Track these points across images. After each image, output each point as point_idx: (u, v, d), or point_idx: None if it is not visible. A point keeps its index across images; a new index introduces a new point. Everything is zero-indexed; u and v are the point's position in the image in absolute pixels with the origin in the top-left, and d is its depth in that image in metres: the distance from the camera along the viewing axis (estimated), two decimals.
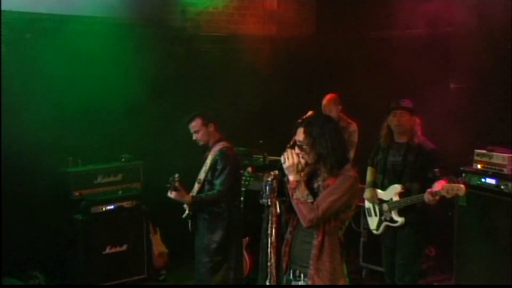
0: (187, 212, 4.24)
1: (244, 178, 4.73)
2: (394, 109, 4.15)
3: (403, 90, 5.39)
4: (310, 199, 2.67)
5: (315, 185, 2.78)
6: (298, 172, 2.72)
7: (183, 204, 4.22)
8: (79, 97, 5.05)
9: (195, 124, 4.26)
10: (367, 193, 4.33)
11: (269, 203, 2.73)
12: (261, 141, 5.58)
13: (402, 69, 5.57)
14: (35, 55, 4.86)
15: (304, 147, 2.73)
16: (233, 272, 4.28)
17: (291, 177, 2.72)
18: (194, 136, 4.25)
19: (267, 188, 2.74)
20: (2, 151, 4.71)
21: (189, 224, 4.24)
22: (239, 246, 4.43)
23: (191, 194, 4.17)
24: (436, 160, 4.06)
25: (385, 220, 4.22)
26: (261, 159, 5.54)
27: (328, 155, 2.68)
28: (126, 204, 5.23)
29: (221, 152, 4.22)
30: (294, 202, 2.70)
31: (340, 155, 2.70)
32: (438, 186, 3.94)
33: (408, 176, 4.12)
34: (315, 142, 2.69)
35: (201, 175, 4.26)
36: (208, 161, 4.22)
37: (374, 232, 4.35)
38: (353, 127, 5.45)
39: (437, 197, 3.91)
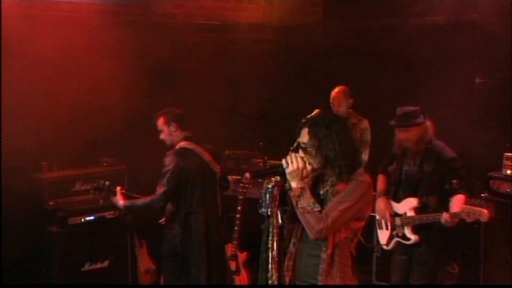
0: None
1: (241, 185, 4.83)
2: (396, 127, 4.16)
3: (420, 85, 5.42)
4: (317, 208, 2.68)
5: (322, 191, 2.81)
6: (302, 178, 2.73)
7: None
8: (55, 91, 5.08)
9: (158, 123, 4.50)
10: (379, 203, 4.34)
11: (270, 213, 2.74)
12: (260, 143, 5.60)
13: (420, 62, 5.60)
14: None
15: (309, 149, 2.75)
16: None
17: (294, 184, 2.74)
18: (160, 136, 4.48)
19: (267, 196, 2.75)
20: None
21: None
22: (201, 255, 4.49)
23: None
24: (456, 170, 4.07)
25: (397, 235, 4.24)
26: (261, 164, 5.57)
27: (336, 159, 2.70)
28: (108, 214, 5.25)
29: (168, 154, 4.43)
30: (299, 212, 2.72)
31: (351, 158, 2.72)
32: (457, 204, 3.95)
33: (425, 188, 4.13)
34: (321, 144, 2.71)
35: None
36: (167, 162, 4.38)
37: (384, 247, 4.37)
38: (365, 123, 5.49)
39: (456, 220, 3.92)
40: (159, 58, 5.76)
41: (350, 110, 5.51)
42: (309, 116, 3.26)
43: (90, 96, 5.24)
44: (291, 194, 2.74)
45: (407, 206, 4.18)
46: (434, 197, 4.11)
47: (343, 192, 2.70)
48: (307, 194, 2.72)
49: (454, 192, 4.02)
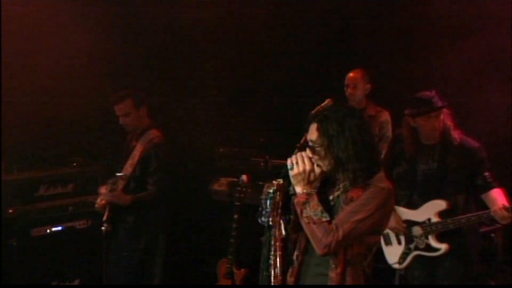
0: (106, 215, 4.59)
1: (238, 189, 4.86)
2: (416, 116, 4.16)
3: (445, 74, 5.43)
4: (325, 218, 2.68)
5: (331, 196, 2.81)
6: (309, 182, 2.74)
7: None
8: (13, 82, 5.14)
9: (124, 106, 4.59)
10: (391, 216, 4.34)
11: (271, 222, 2.76)
12: (261, 140, 5.62)
13: (445, 45, 5.60)
14: None
15: (318, 149, 2.75)
16: None
17: (299, 189, 2.74)
18: (122, 120, 4.60)
19: (268, 202, 2.77)
20: None
21: (104, 230, 4.60)
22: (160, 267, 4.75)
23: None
24: (485, 161, 4.11)
25: (416, 248, 4.26)
26: (262, 164, 5.59)
27: (349, 161, 2.69)
28: (79, 224, 5.29)
29: (156, 145, 4.58)
30: (303, 222, 2.72)
31: (368, 160, 2.71)
32: (500, 198, 3.98)
33: (452, 186, 4.15)
34: (332, 144, 2.71)
35: (126, 170, 4.58)
36: (137, 153, 4.55)
37: (395, 266, 4.37)
38: (385, 116, 5.46)
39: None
40: (130, 36, 5.88)
41: (368, 100, 5.51)
42: (318, 107, 3.28)
43: (58, 85, 5.27)
44: (295, 201, 2.75)
45: (430, 211, 4.20)
46: (462, 195, 4.14)
47: (358, 201, 2.68)
48: (314, 201, 2.72)
49: (488, 186, 4.04)
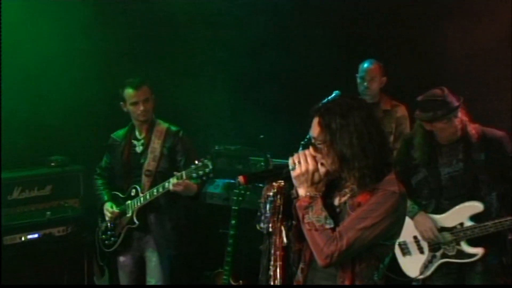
0: (134, 219, 4.72)
1: (235, 192, 4.87)
2: (432, 121, 4.13)
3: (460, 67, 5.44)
4: (329, 225, 2.67)
5: (337, 202, 2.80)
6: (313, 183, 2.73)
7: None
8: None
9: (144, 91, 4.75)
10: (421, 221, 4.31)
11: (271, 229, 2.76)
12: (261, 136, 5.62)
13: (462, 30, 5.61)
14: None
15: (320, 145, 2.73)
16: None
17: (302, 191, 2.73)
18: (143, 106, 4.72)
19: (268, 206, 2.77)
20: None
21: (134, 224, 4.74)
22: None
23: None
24: None
25: (444, 256, 4.27)
26: (261, 163, 5.60)
27: (355, 158, 2.66)
28: (57, 231, 5.31)
29: (177, 132, 4.78)
30: (305, 229, 2.71)
31: (377, 158, 2.68)
32: None
33: (483, 185, 4.15)
34: (335, 139, 2.68)
35: (150, 165, 4.73)
36: (157, 146, 4.74)
37: (417, 277, 4.35)
38: (402, 111, 5.46)
39: None
40: (112, 25, 5.98)
41: (382, 94, 5.50)
42: (325, 100, 3.27)
43: (36, 79, 5.31)
44: (297, 204, 2.73)
45: (462, 214, 4.20)
46: (495, 193, 4.14)
47: (365, 205, 2.66)
48: (318, 205, 2.70)
49: None
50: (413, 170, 4.34)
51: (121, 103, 4.77)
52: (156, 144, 4.75)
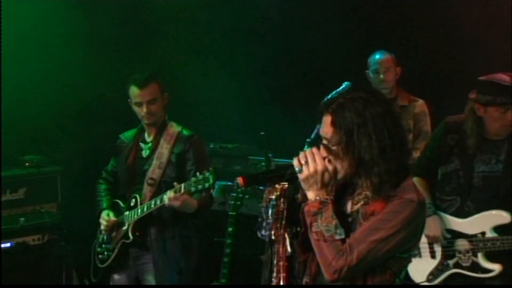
0: (129, 234, 4.62)
1: (233, 195, 4.87)
2: (489, 104, 4.09)
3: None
4: (339, 235, 2.66)
5: (349, 209, 2.79)
6: (323, 186, 2.72)
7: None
8: None
9: (151, 90, 4.64)
10: (430, 224, 4.34)
11: (273, 236, 2.77)
12: (262, 133, 5.64)
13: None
14: None
15: (333, 147, 2.72)
16: None
17: (312, 195, 2.73)
18: (147, 109, 4.63)
19: (270, 211, 2.78)
20: None
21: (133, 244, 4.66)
22: None
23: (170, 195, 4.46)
24: None
25: (457, 266, 4.28)
26: (262, 164, 5.61)
27: (374, 162, 2.65)
28: (32, 239, 5.33)
29: (190, 137, 4.69)
30: (312, 238, 2.71)
31: (395, 162, 2.66)
32: None
33: None
34: (352, 140, 2.66)
35: (154, 173, 4.65)
36: (165, 152, 4.65)
37: (423, 283, 4.36)
38: (421, 106, 5.49)
39: None
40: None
41: (398, 87, 5.51)
42: (334, 93, 3.27)
43: (10, 71, 5.36)
44: (306, 209, 2.73)
45: (486, 223, 4.20)
46: None
47: (380, 215, 2.65)
48: (328, 211, 2.69)
49: None
50: (445, 158, 4.33)
51: (129, 100, 4.69)
52: (164, 149, 4.68)
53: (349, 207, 2.80)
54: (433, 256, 4.38)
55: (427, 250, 4.39)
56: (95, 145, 5.82)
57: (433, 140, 4.47)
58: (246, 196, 4.95)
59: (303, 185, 2.75)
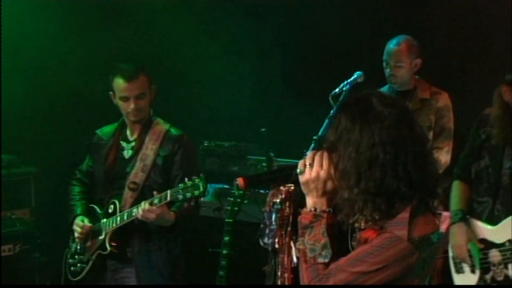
0: (106, 244, 4.62)
1: (230, 200, 4.87)
2: None
3: None
4: (323, 258, 2.64)
5: (346, 226, 2.74)
6: (324, 194, 2.71)
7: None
8: None
9: (139, 84, 4.62)
10: (455, 233, 4.39)
11: (277, 245, 2.78)
12: (263, 129, 5.65)
13: None
14: None
15: (325, 147, 2.73)
16: None
17: (309, 202, 2.73)
18: (135, 105, 4.60)
19: (274, 217, 2.79)
20: None
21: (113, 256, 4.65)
22: None
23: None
24: None
25: (494, 281, 4.29)
26: (263, 164, 5.62)
27: (356, 177, 2.60)
28: (3, 250, 5.36)
29: (179, 137, 4.68)
30: (295, 250, 2.72)
31: (387, 186, 2.58)
32: None
33: None
34: (339, 144, 2.65)
35: (137, 176, 4.63)
36: (150, 153, 4.64)
37: None
38: (444, 99, 5.48)
39: None
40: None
41: (418, 77, 5.53)
42: (344, 84, 3.29)
43: None
44: (299, 218, 2.73)
45: None
46: None
47: (368, 246, 2.60)
48: (320, 227, 2.67)
49: None
50: (476, 153, 4.35)
51: (110, 93, 4.67)
52: (149, 151, 4.66)
53: (347, 224, 2.75)
54: (472, 270, 4.39)
55: (465, 263, 4.39)
56: (73, 143, 5.82)
57: (470, 135, 4.48)
58: (245, 201, 4.95)
59: (303, 188, 2.76)
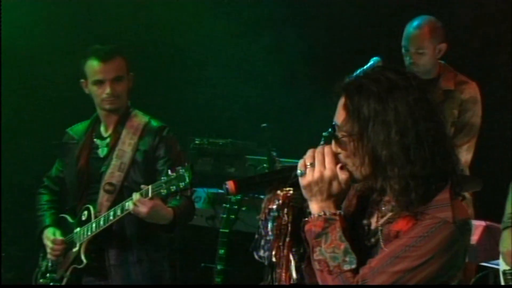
0: (82, 257, 4.58)
1: (226, 206, 4.87)
2: None
3: None
4: (349, 265, 2.63)
5: (374, 225, 2.77)
6: (330, 196, 2.71)
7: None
8: None
9: (117, 66, 4.64)
10: (505, 239, 4.44)
11: (274, 258, 2.78)
12: (264, 125, 5.66)
13: None
14: None
15: (344, 139, 2.71)
16: None
17: (314, 207, 2.73)
18: (111, 89, 4.60)
19: (270, 226, 2.80)
20: None
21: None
22: None
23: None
24: None
25: None
26: (264, 165, 5.62)
27: (393, 163, 2.62)
28: None
29: (161, 129, 4.69)
30: (314, 267, 2.70)
31: (426, 165, 2.61)
32: None
33: None
34: (366, 131, 2.64)
35: (113, 176, 4.63)
36: (128, 149, 4.64)
37: None
38: (470, 91, 5.49)
39: None
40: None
41: (442, 63, 5.55)
42: (359, 71, 3.27)
43: None
44: (306, 228, 2.72)
45: None
46: None
47: (405, 238, 2.61)
48: (336, 231, 2.67)
49: None
50: None
51: (82, 81, 4.67)
52: (126, 146, 4.65)
53: (373, 221, 2.78)
54: None
55: None
56: (42, 145, 5.85)
57: None
58: (243, 208, 4.96)
59: (304, 193, 2.75)
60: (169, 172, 4.20)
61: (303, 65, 6.31)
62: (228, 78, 6.42)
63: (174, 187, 4.14)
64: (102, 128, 4.74)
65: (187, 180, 4.11)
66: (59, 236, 4.64)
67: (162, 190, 4.18)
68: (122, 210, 4.35)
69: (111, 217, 4.42)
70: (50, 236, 4.65)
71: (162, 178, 4.22)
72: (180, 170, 4.14)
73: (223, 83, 6.47)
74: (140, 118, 4.70)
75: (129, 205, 4.30)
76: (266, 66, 6.41)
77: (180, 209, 4.49)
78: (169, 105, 6.16)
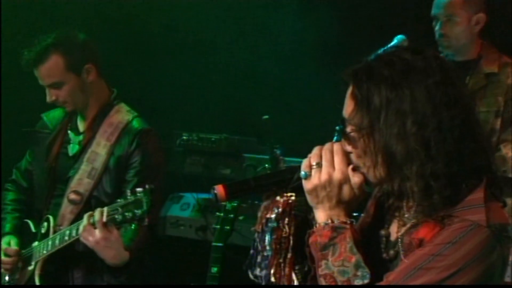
0: (35, 277, 4.57)
1: (219, 215, 4.88)
2: None
3: None
4: (360, 280, 2.65)
5: (394, 235, 2.78)
6: (340, 203, 2.73)
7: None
8: None
9: (50, 70, 4.62)
10: None
11: (273, 278, 2.80)
12: (265, 117, 5.66)
13: None
14: None
15: (353, 134, 2.72)
16: None
17: (320, 215, 2.75)
18: (50, 97, 4.65)
19: (267, 239, 2.83)
20: None
21: None
22: None
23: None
24: None
25: None
26: (266, 165, 5.64)
27: (410, 160, 2.62)
28: None
29: (141, 132, 4.68)
30: (319, 281, 2.71)
31: (454, 163, 2.62)
32: None
33: None
34: (377, 124, 2.65)
35: (81, 184, 4.63)
36: (102, 151, 4.62)
37: None
38: None
39: None
40: None
41: (483, 41, 5.54)
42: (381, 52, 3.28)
43: None
44: (311, 240, 2.73)
45: None
46: None
47: (430, 246, 2.62)
48: (345, 242, 2.69)
49: None
50: None
51: None
52: (100, 148, 4.65)
53: (393, 231, 2.81)
54: None
55: None
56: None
57: None
58: (240, 217, 4.96)
59: (309, 198, 2.77)
60: (128, 193, 4.15)
61: (314, 46, 6.33)
62: (222, 64, 6.42)
63: (130, 213, 4.12)
64: (79, 120, 4.77)
65: (145, 207, 4.08)
66: (14, 246, 4.63)
67: (117, 216, 4.15)
68: (78, 231, 4.29)
69: (66, 237, 4.39)
70: (4, 245, 4.64)
71: (119, 200, 4.17)
72: (138, 194, 4.10)
73: (218, 69, 6.47)
74: (122, 116, 4.71)
75: (69, 234, 4.32)
76: (269, 51, 6.44)
77: (136, 246, 4.49)
78: (152, 93, 6.15)
